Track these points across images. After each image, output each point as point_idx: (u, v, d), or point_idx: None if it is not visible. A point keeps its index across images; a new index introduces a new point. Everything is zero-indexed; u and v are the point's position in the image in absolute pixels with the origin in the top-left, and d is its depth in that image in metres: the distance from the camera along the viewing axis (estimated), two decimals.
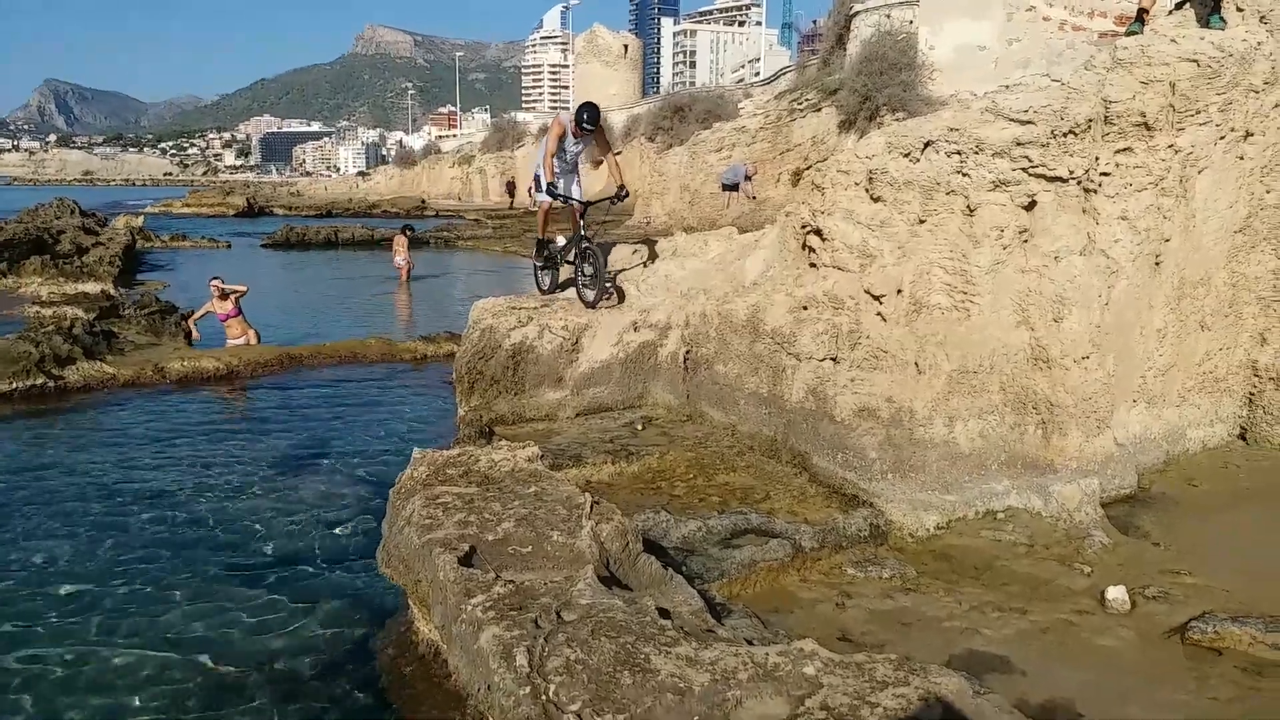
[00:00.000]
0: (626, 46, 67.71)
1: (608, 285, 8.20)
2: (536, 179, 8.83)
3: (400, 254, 23.23)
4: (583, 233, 8.43)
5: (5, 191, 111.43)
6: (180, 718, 4.67)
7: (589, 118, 8.28)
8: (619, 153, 42.44)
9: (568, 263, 8.78)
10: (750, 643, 3.80)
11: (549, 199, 8.62)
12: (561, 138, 8.46)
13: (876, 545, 5.46)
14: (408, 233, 24.47)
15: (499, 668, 3.27)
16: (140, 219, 37.24)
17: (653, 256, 9.09)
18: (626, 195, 8.79)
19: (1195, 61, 6.38)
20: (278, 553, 6.58)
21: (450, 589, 3.89)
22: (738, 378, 7.15)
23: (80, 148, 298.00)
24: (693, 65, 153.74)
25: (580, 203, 8.57)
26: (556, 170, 8.56)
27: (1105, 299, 6.19)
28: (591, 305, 8.10)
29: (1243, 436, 7.07)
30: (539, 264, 9.20)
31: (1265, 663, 4.13)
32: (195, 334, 13.62)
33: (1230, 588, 4.81)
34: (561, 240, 9.07)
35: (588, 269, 8.24)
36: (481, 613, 3.61)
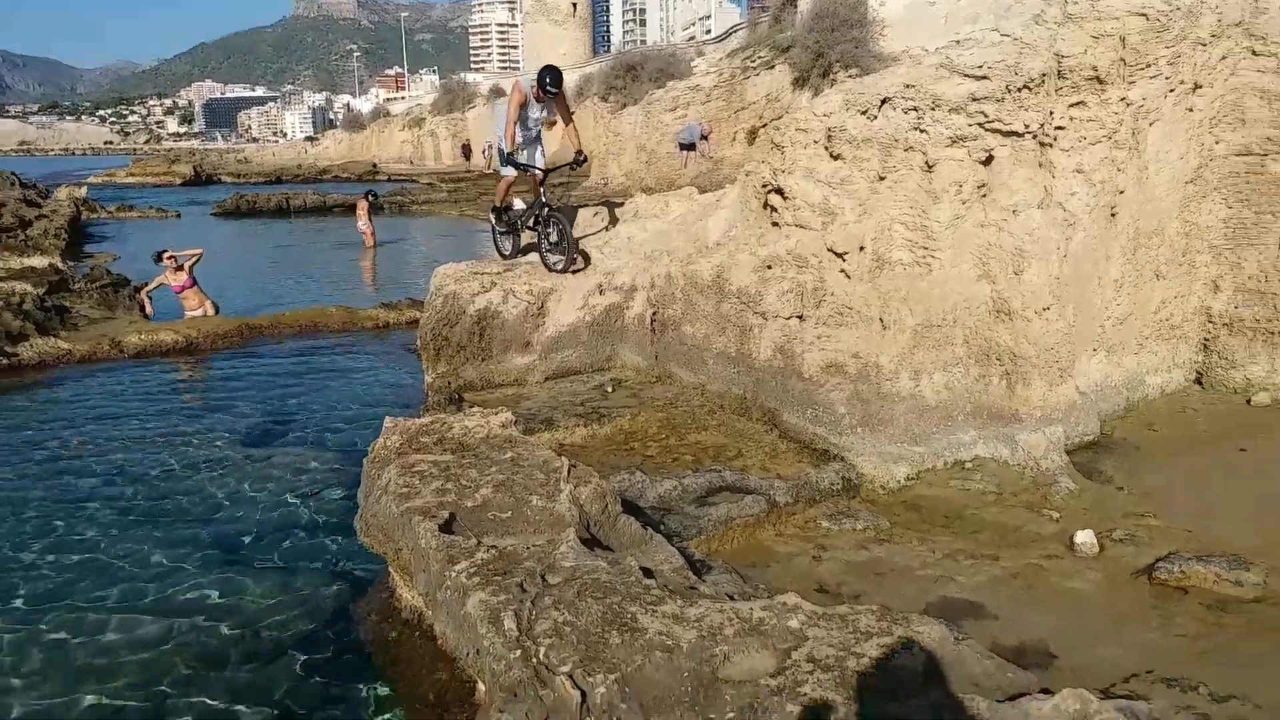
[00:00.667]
0: (575, 5, 66.87)
1: (575, 255, 8.11)
2: (498, 150, 8.62)
3: (363, 219, 22.88)
4: (543, 199, 8.30)
5: None
6: (159, 689, 4.65)
7: (552, 81, 8.08)
8: (573, 112, 42.03)
9: (528, 229, 8.67)
10: (733, 598, 3.87)
11: (511, 174, 8.49)
12: (524, 105, 8.26)
13: (849, 498, 5.56)
14: (370, 198, 24.06)
15: (488, 632, 3.30)
16: (84, 189, 36.27)
17: (614, 219, 9.04)
18: (585, 160, 8.74)
19: (1144, 15, 6.45)
20: (251, 524, 6.53)
21: (433, 556, 3.90)
22: (705, 338, 7.19)
23: (14, 117, 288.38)
24: (643, 24, 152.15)
25: (541, 170, 8.41)
26: (519, 140, 8.33)
27: (1063, 251, 6.29)
28: (561, 271, 8.02)
29: (1199, 381, 7.27)
30: (500, 229, 9.03)
31: (1229, 599, 4.29)
32: (150, 308, 13.34)
33: (1191, 528, 4.98)
34: (520, 204, 8.95)
35: (553, 235, 8.11)
36: (466, 579, 3.62)
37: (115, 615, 5.36)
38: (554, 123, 8.76)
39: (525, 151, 8.44)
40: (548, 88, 8.08)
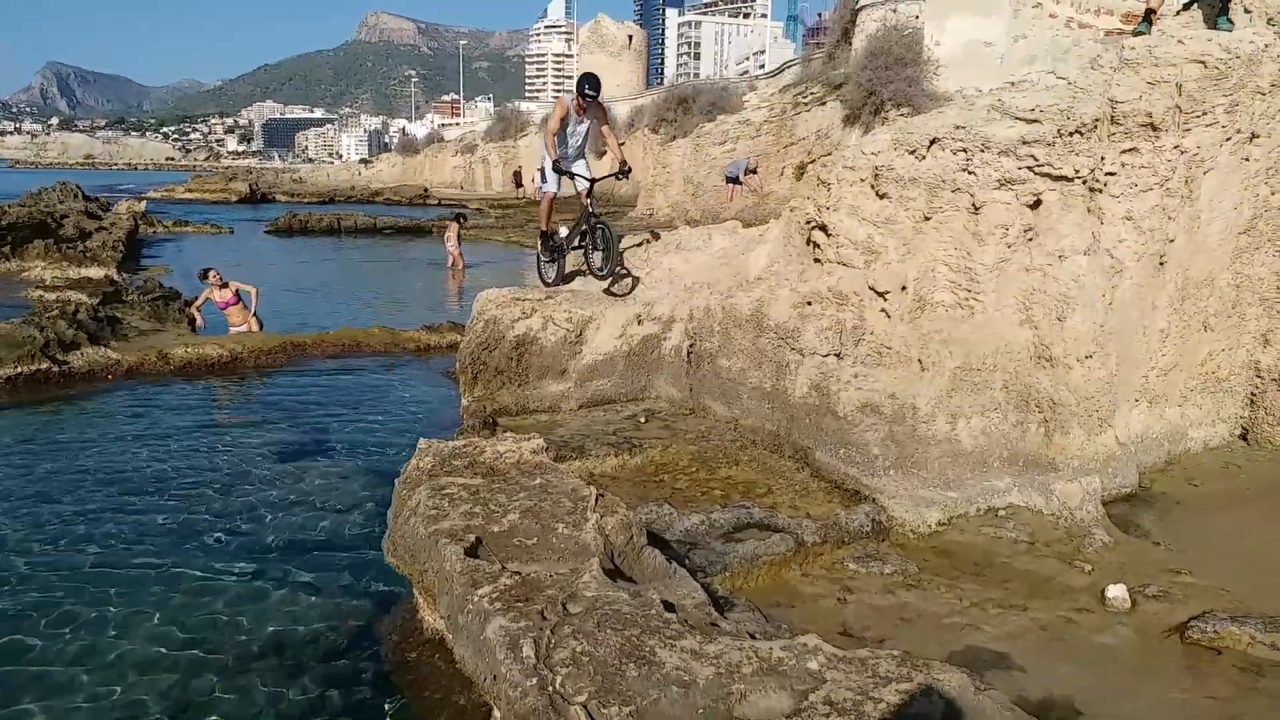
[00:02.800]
0: (631, 37, 67.61)
1: (620, 269, 8.22)
2: (541, 171, 8.80)
3: (452, 240, 23.12)
4: (590, 209, 8.43)
5: (7, 174, 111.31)
6: (186, 701, 4.70)
7: (590, 86, 8.27)
8: (622, 143, 42.45)
9: (573, 248, 8.77)
10: (753, 636, 3.84)
11: (552, 189, 8.59)
12: (565, 119, 8.45)
13: (878, 541, 5.50)
14: (460, 220, 24.35)
15: (506, 659, 3.30)
16: (143, 204, 37.22)
17: (656, 250, 9.09)
18: (629, 171, 8.80)
19: (1202, 63, 6.40)
20: (283, 540, 6.61)
21: (456, 580, 3.91)
22: (741, 372, 7.18)
23: (82, 131, 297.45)
24: (697, 57, 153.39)
25: (587, 179, 8.49)
26: (560, 153, 8.55)
27: (1109, 298, 6.22)
28: (604, 276, 8.19)
29: (1244, 437, 7.11)
30: (544, 257, 9.08)
31: (1264, 662, 4.17)
32: (200, 321, 13.64)
33: (1230, 587, 4.85)
34: (565, 231, 9.05)
35: (599, 242, 8.27)
36: (488, 604, 3.63)
37: (140, 625, 5.45)
38: (604, 152, 9.04)
39: (569, 164, 8.60)
40: (586, 93, 8.25)
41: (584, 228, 8.45)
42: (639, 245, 9.26)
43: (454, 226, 23.65)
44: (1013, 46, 21.75)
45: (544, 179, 8.70)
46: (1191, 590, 4.86)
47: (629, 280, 8.28)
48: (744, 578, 5.02)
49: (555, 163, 8.41)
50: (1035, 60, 20.65)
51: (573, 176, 8.52)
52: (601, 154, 8.55)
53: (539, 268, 9.28)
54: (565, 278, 8.94)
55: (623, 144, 41.90)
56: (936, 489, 5.83)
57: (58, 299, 14.28)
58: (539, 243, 9.12)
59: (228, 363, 11.81)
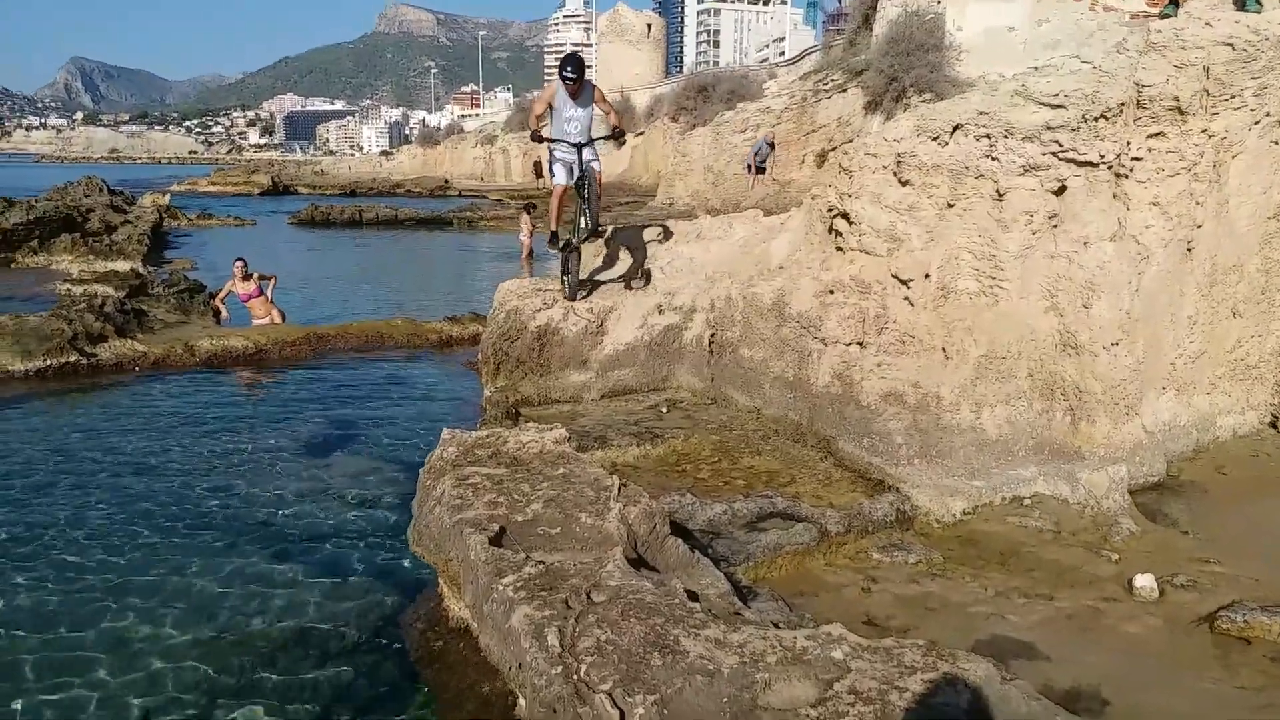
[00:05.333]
0: (650, 25, 67.39)
1: (600, 226, 8.05)
2: (548, 164, 8.24)
3: (525, 231, 23.10)
4: (582, 180, 7.85)
5: (34, 169, 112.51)
6: (213, 690, 4.75)
7: (570, 67, 7.63)
8: (641, 133, 42.30)
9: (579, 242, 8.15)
10: (777, 626, 3.84)
11: (561, 181, 7.96)
12: (552, 104, 7.87)
13: (902, 530, 5.48)
14: (530, 211, 24.38)
15: (531, 647, 3.32)
16: (167, 197, 37.56)
17: (676, 240, 9.06)
18: (621, 134, 8.35)
19: (1230, 45, 6.30)
20: (308, 530, 6.66)
21: (481, 569, 3.94)
22: (763, 362, 7.16)
23: (106, 125, 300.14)
24: (716, 45, 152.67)
25: (573, 144, 7.77)
26: (554, 135, 7.93)
27: (1135, 285, 6.15)
28: (584, 237, 7.95)
29: (1274, 424, 7.02)
30: (561, 266, 8.33)
31: None
32: (224, 313, 13.75)
33: (1259, 577, 4.80)
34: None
35: (584, 193, 7.86)
36: (513, 592, 3.66)
37: (165, 612, 5.50)
38: (616, 138, 8.29)
39: (559, 148, 7.93)
40: (566, 75, 7.61)
41: (575, 182, 7.90)
42: (658, 236, 9.22)
43: (526, 218, 23.61)
44: (1035, 31, 21.43)
45: (551, 171, 8.16)
46: (1220, 579, 4.81)
47: (644, 279, 8.16)
48: (767, 567, 5.02)
49: (534, 131, 7.88)
50: (1059, 45, 20.38)
51: (554, 143, 7.85)
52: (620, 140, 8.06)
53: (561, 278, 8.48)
54: (584, 284, 8.31)
55: (641, 133, 41.27)
56: (961, 478, 5.80)
57: (85, 292, 14.43)
58: (549, 241, 8.51)
59: (252, 355, 11.90)
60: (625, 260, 8.82)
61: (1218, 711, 3.69)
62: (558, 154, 7.90)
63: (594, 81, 8.04)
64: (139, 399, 10.08)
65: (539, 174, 49.66)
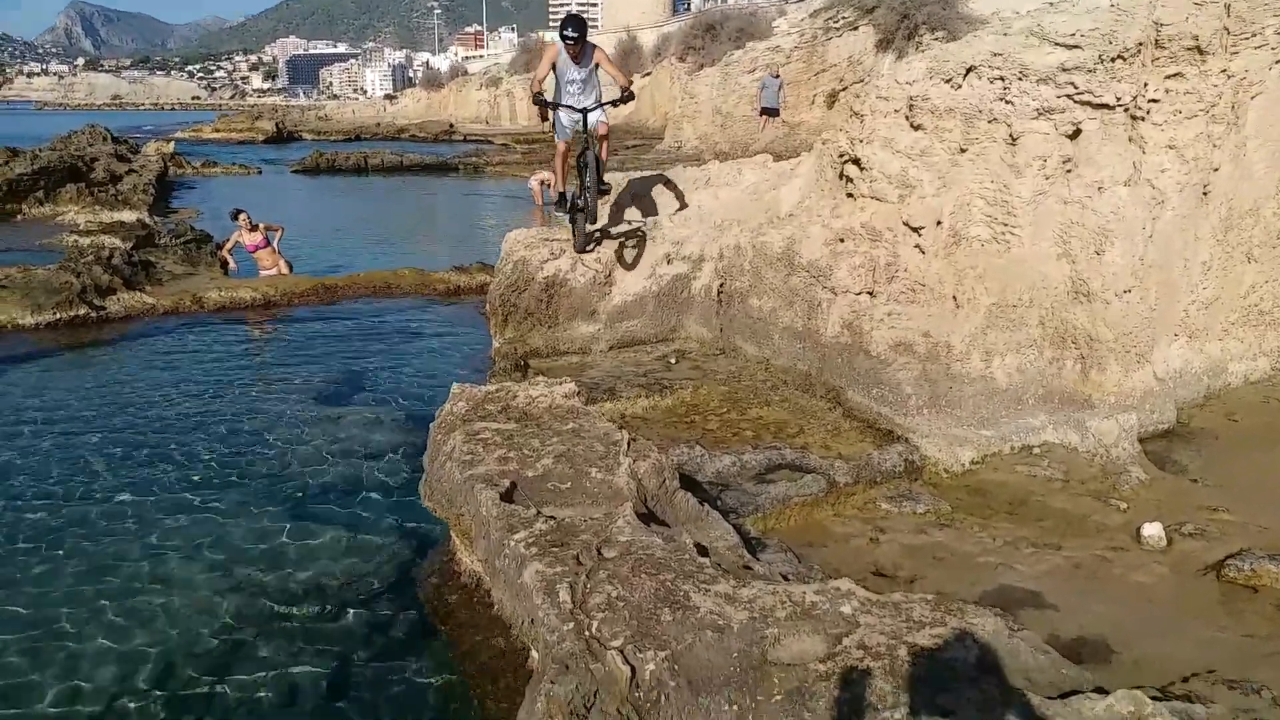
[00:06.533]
0: None
1: (605, 185, 7.91)
2: (551, 120, 8.05)
3: (536, 179, 22.88)
4: (585, 139, 7.70)
5: (36, 117, 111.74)
6: (227, 645, 4.82)
7: (573, 28, 7.39)
8: (649, 73, 41.66)
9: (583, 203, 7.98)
10: (787, 579, 3.87)
11: (566, 138, 7.84)
12: (555, 65, 7.67)
13: (911, 480, 5.49)
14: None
15: (543, 603, 3.36)
16: (171, 145, 37.23)
17: (684, 188, 8.95)
18: (631, 97, 8.04)
19: None
20: (321, 482, 6.72)
21: (493, 524, 3.97)
22: (772, 311, 7.13)
23: (108, 71, 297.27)
24: None
25: (577, 109, 7.62)
26: (548, 94, 7.78)
27: (1149, 231, 6.07)
28: (580, 209, 7.79)
29: None
30: (569, 219, 8.21)
31: None
32: (232, 264, 13.73)
33: (1268, 524, 4.81)
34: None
35: (587, 180, 7.71)
36: (524, 548, 3.69)
37: (179, 563, 5.60)
38: (625, 100, 7.94)
39: (563, 111, 7.80)
40: (567, 35, 7.39)
41: (579, 155, 7.79)
42: (665, 184, 9.11)
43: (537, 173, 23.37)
44: None
45: (555, 128, 7.97)
46: (1229, 528, 4.82)
47: (634, 248, 7.94)
48: (776, 518, 5.05)
49: (537, 95, 7.62)
50: None
51: (556, 107, 7.72)
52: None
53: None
54: (591, 237, 8.15)
55: (648, 73, 40.46)
56: (970, 427, 5.79)
57: (92, 243, 14.40)
58: (557, 203, 8.35)
59: (261, 305, 11.91)
60: (632, 214, 8.72)
61: (1224, 660, 3.72)
62: (562, 117, 7.79)
63: (596, 43, 7.79)
64: (149, 352, 10.12)
65: (544, 116, 49.17)
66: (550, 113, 7.93)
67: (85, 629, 4.93)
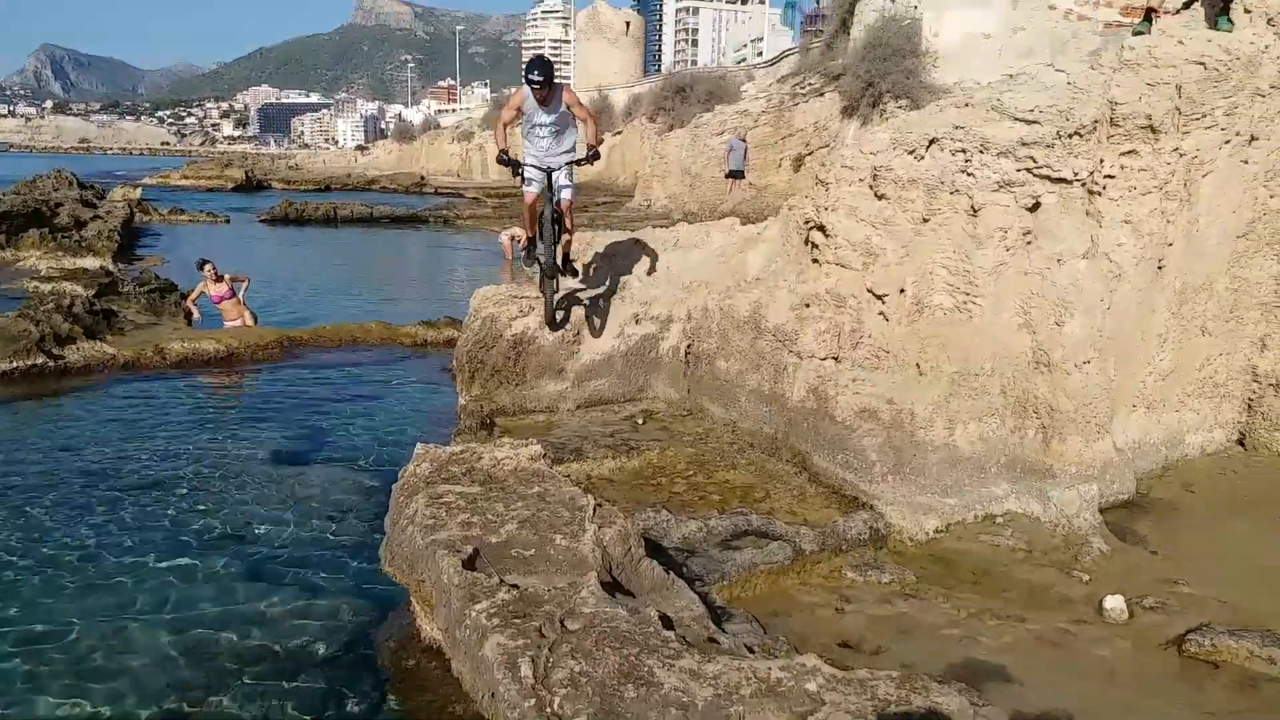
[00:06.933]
0: (629, 24, 67.45)
1: (573, 264, 7.68)
2: (519, 171, 7.54)
3: (506, 235, 22.89)
4: (551, 198, 7.36)
5: (1, 159, 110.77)
6: (176, 703, 4.68)
7: (538, 71, 6.95)
8: (619, 132, 42.27)
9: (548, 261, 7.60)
10: (752, 651, 3.84)
11: (532, 190, 7.36)
12: (521, 109, 7.28)
13: (876, 549, 5.49)
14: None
15: (503, 678, 3.30)
16: (138, 191, 37.07)
17: (653, 249, 9.01)
18: (597, 156, 7.52)
19: (1202, 64, 6.37)
20: (279, 542, 6.60)
21: (454, 593, 3.91)
22: (739, 374, 7.16)
23: (77, 115, 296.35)
24: (695, 44, 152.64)
25: (541, 168, 7.26)
26: (523, 145, 7.46)
27: (1107, 303, 6.20)
28: (543, 268, 7.44)
29: (1241, 442, 7.11)
30: (538, 281, 7.81)
31: (1261, 677, 4.18)
32: (196, 314, 13.60)
33: (1227, 598, 4.86)
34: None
35: (548, 242, 7.41)
36: (486, 619, 3.63)
37: (134, 625, 5.44)
38: (591, 160, 7.51)
39: (526, 153, 7.41)
40: (532, 79, 6.96)
41: (541, 212, 7.41)
42: (634, 244, 9.17)
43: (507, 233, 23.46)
44: (1011, 38, 21.66)
45: (522, 179, 7.49)
46: (1189, 601, 4.87)
47: (602, 309, 7.82)
48: (742, 586, 5.02)
49: (501, 153, 7.37)
50: (1033, 52, 20.55)
51: (519, 166, 7.33)
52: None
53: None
54: (557, 314, 7.80)
55: (619, 132, 40.87)
56: (934, 495, 5.82)
57: (53, 290, 14.23)
58: (525, 252, 7.94)
59: (224, 358, 11.77)
60: (601, 273, 8.72)
61: None
62: (528, 172, 7.40)
63: (566, 83, 7.56)
64: (107, 404, 9.94)
65: (516, 173, 49.52)
66: (510, 245, 7.80)
67: (30, 691, 4.76)
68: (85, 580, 5.95)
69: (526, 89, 7.12)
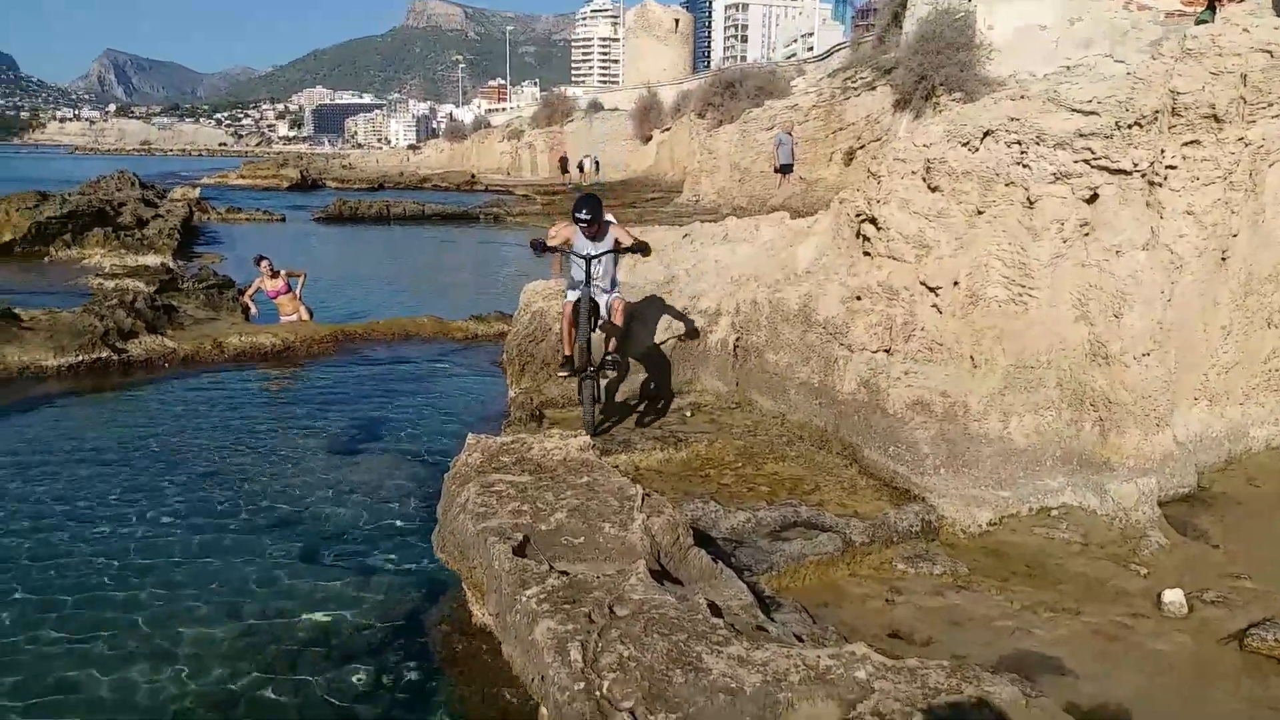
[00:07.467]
0: (678, 21, 67.39)
1: (620, 362, 7.09)
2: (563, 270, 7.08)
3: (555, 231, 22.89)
4: (589, 286, 6.84)
5: (67, 161, 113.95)
6: (235, 688, 4.79)
7: (586, 209, 6.72)
8: (668, 129, 42.26)
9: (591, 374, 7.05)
10: (800, 640, 3.83)
11: (573, 294, 6.91)
12: (570, 240, 6.91)
13: (927, 541, 5.44)
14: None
15: (553, 662, 3.32)
16: (197, 191, 37.89)
17: (701, 241, 9.01)
18: (647, 250, 7.17)
19: (1269, 52, 6.20)
20: (334, 529, 6.72)
21: (505, 579, 3.95)
22: (788, 367, 7.13)
23: (138, 118, 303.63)
24: (744, 40, 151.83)
25: (583, 256, 6.79)
26: (568, 271, 7.09)
27: (1168, 295, 6.07)
28: (589, 394, 6.98)
29: None
30: (577, 390, 7.23)
31: None
32: (254, 309, 13.86)
33: None
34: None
35: (589, 338, 6.89)
36: (536, 604, 3.66)
37: (190, 605, 5.58)
38: (641, 252, 7.07)
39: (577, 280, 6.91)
40: (580, 218, 6.70)
41: (579, 297, 6.85)
42: (683, 238, 9.19)
43: (559, 224, 23.54)
44: (1068, 29, 21.26)
45: (567, 289, 7.14)
46: (1251, 595, 4.75)
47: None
48: (790, 577, 5.01)
49: (539, 242, 7.02)
50: (1091, 44, 20.17)
51: (558, 251, 6.98)
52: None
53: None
54: (604, 424, 7.29)
55: (668, 128, 40.77)
56: (987, 488, 5.75)
57: (116, 287, 14.62)
58: (561, 367, 7.20)
59: (281, 352, 12.00)
60: (649, 276, 8.48)
61: None
62: (571, 269, 6.98)
63: (613, 219, 7.08)
64: (168, 396, 10.20)
65: (564, 169, 49.77)
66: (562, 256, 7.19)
67: (86, 669, 4.90)
68: (141, 566, 6.09)
69: (575, 227, 6.83)
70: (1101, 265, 6.03)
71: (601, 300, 6.93)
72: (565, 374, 7.13)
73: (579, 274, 6.84)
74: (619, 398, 7.77)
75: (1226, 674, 4.16)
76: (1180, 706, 3.90)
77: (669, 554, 4.32)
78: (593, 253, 6.79)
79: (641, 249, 7.01)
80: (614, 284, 7.05)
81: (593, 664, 3.23)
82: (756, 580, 4.75)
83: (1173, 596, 4.69)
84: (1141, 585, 4.92)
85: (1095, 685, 4.04)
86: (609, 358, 6.95)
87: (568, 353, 7.00)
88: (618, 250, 6.94)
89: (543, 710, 3.82)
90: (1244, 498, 6.06)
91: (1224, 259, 6.37)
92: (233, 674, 4.90)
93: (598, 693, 3.11)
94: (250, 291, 13.96)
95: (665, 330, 7.90)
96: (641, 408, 7.59)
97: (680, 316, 7.88)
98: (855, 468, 6.20)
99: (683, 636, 3.36)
